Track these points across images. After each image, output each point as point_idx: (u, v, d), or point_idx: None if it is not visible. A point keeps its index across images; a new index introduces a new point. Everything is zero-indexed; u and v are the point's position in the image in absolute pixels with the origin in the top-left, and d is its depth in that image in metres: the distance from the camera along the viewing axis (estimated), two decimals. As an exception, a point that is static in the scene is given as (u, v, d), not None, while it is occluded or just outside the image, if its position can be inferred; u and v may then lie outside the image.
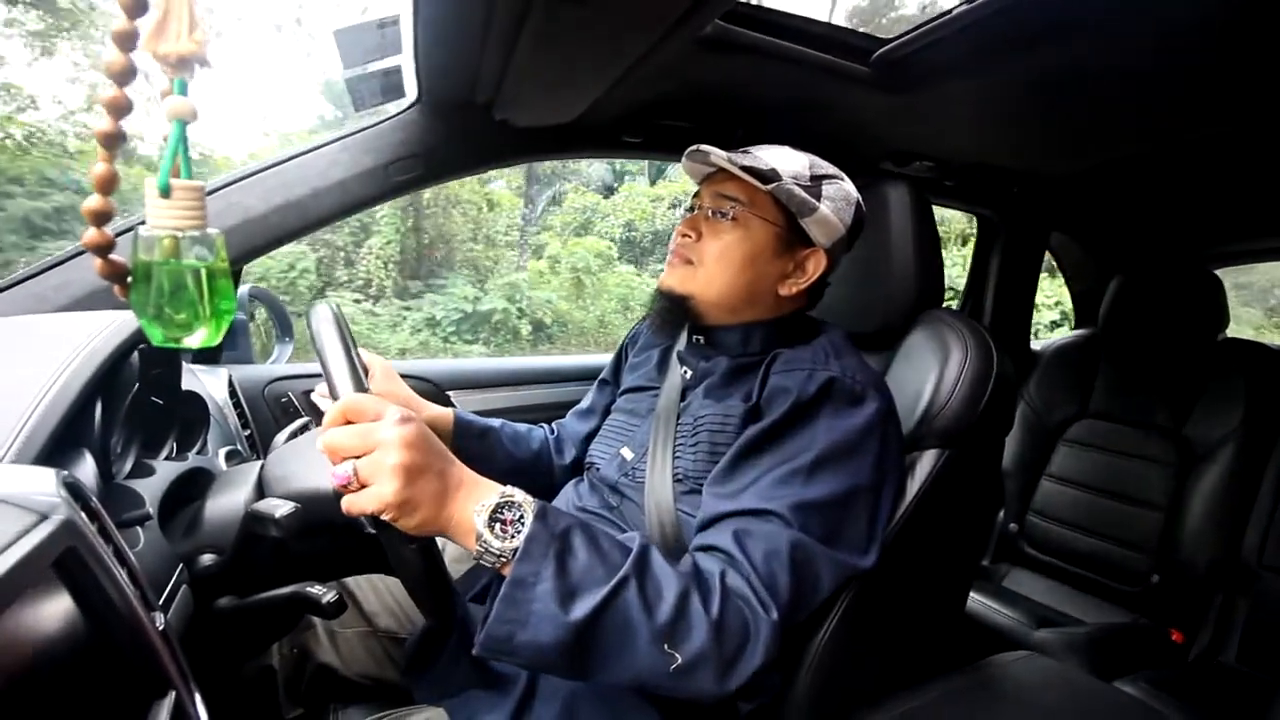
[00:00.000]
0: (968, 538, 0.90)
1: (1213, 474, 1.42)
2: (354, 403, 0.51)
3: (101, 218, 0.33)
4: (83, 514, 0.39)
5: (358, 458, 0.49)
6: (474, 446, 0.93)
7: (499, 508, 0.52)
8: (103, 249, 0.34)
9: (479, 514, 0.51)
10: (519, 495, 0.54)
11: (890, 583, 0.73)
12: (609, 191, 8.44)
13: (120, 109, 0.30)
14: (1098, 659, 1.28)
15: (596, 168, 8.67)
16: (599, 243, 7.47)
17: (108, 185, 0.32)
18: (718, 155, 0.74)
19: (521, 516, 0.53)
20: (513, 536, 0.52)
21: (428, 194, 6.49)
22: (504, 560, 0.52)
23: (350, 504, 0.50)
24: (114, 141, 0.32)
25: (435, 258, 6.61)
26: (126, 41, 0.29)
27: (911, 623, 0.84)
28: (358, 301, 6.02)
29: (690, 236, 0.78)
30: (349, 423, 0.51)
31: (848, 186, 0.78)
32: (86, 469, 0.56)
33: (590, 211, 7.99)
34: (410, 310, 6.24)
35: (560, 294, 6.97)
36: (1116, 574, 1.53)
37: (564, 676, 0.61)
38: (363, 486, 0.49)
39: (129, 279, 0.35)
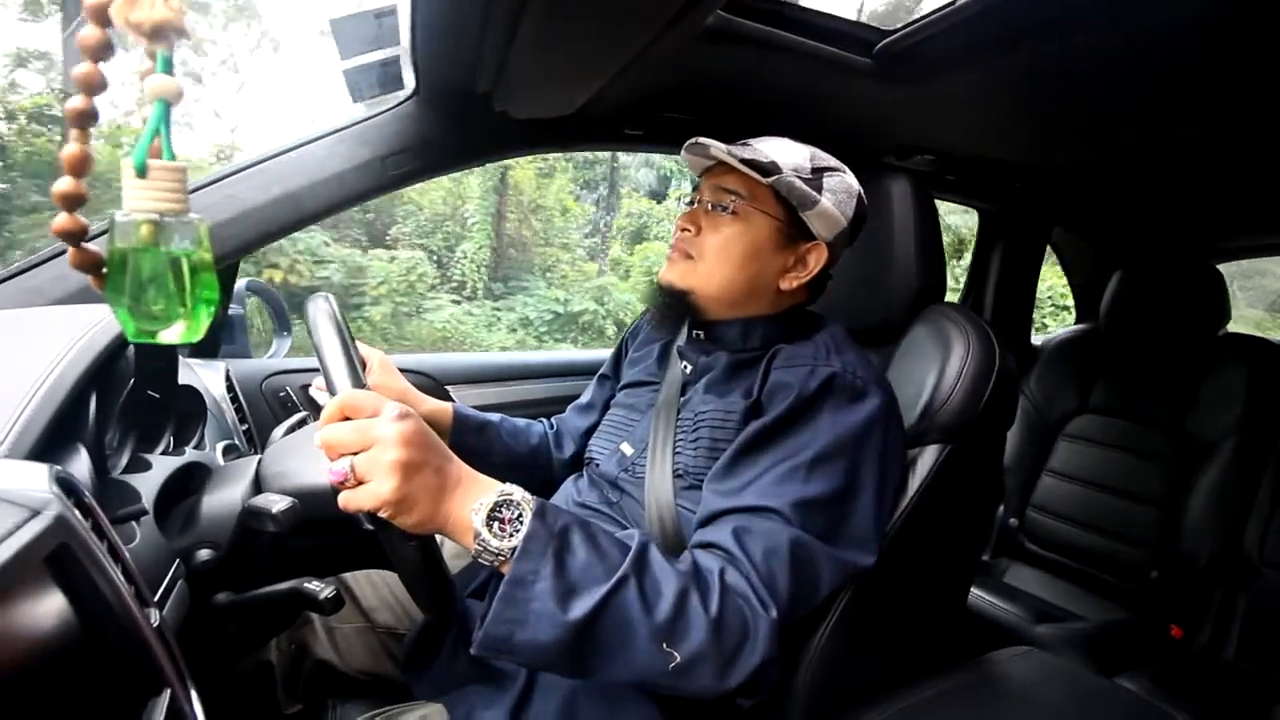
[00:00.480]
0: (969, 533, 0.89)
1: (1213, 469, 1.42)
2: (351, 399, 0.51)
3: (73, 201, 0.31)
4: (76, 510, 0.38)
5: (355, 454, 0.49)
6: (472, 440, 0.92)
7: (497, 506, 0.52)
8: (74, 236, 0.32)
9: (477, 513, 0.51)
10: (517, 494, 0.53)
11: (891, 579, 0.73)
12: (658, 197, 8.49)
13: (94, 85, 0.29)
14: (1097, 654, 1.28)
15: (644, 172, 8.67)
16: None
17: (80, 166, 0.30)
18: (717, 148, 0.73)
19: (520, 515, 0.52)
20: (511, 535, 0.51)
21: (510, 199, 6.68)
22: (502, 559, 0.51)
23: (347, 501, 0.49)
24: (86, 119, 0.30)
25: (513, 258, 6.91)
26: (102, 15, 0.27)
27: (912, 618, 0.83)
28: (456, 303, 6.24)
29: (690, 230, 0.77)
30: (346, 419, 0.50)
31: (849, 179, 0.77)
32: (81, 464, 0.55)
33: (645, 216, 8.20)
34: (502, 311, 6.52)
35: (635, 295, 7.30)
36: (1116, 569, 1.53)
37: (563, 675, 0.60)
38: (360, 483, 0.49)
39: (104, 269, 0.33)
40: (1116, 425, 1.60)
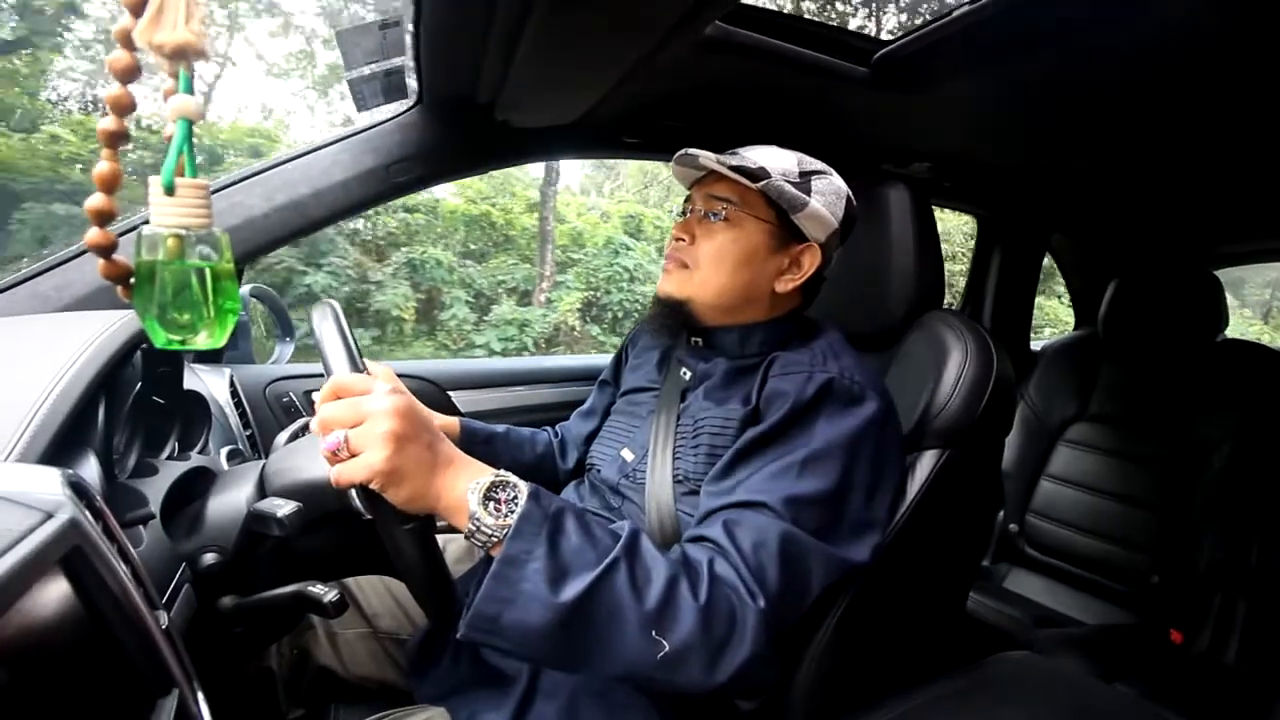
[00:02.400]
0: (968, 538, 0.90)
1: (1212, 474, 1.42)
2: (344, 379, 0.52)
3: (104, 217, 0.33)
4: (87, 513, 0.39)
5: (349, 429, 0.50)
6: (480, 451, 0.92)
7: (493, 487, 0.53)
8: (105, 249, 0.33)
9: (473, 492, 0.52)
10: (512, 477, 0.54)
11: (890, 582, 0.73)
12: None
13: (123, 107, 0.30)
14: (1097, 659, 1.28)
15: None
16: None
17: (111, 184, 0.32)
18: (706, 157, 0.74)
19: (515, 496, 0.53)
20: (506, 515, 0.52)
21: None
22: (496, 539, 0.52)
23: (339, 473, 0.50)
24: (117, 140, 0.31)
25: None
26: (130, 39, 0.29)
27: (911, 623, 0.84)
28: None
29: (684, 240, 0.78)
30: (339, 399, 0.52)
31: (837, 181, 0.78)
32: (90, 468, 0.56)
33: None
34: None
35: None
36: (1116, 574, 1.53)
37: (551, 664, 0.60)
38: (353, 456, 0.50)
39: (131, 280, 0.34)
40: (1115, 431, 1.61)
